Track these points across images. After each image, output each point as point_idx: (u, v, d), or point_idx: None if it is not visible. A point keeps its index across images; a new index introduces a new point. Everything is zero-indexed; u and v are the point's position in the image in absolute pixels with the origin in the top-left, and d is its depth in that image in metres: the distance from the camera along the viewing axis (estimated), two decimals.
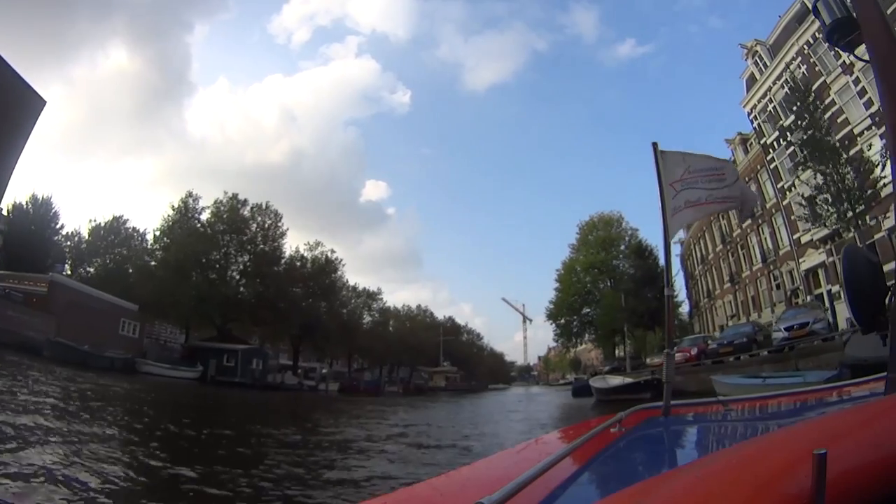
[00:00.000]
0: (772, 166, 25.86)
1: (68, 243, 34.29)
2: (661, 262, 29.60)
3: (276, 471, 5.38)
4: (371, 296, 53.24)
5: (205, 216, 32.72)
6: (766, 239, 28.19)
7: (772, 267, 27.09)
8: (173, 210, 32.05)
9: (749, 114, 27.92)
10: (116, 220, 36.36)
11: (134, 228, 36.93)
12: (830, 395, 1.77)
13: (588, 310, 48.12)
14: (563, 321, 49.34)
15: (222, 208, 32.93)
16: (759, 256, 28.74)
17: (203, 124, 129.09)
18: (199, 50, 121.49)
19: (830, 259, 20.28)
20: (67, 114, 76.99)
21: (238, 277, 33.21)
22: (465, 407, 22.51)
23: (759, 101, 26.37)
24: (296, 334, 37.59)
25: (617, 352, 50.42)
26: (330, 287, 40.53)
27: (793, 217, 23.44)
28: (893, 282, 1.35)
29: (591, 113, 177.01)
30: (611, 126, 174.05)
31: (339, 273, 42.92)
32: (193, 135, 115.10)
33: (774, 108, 24.75)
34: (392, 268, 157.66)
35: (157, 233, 32.17)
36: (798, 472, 0.49)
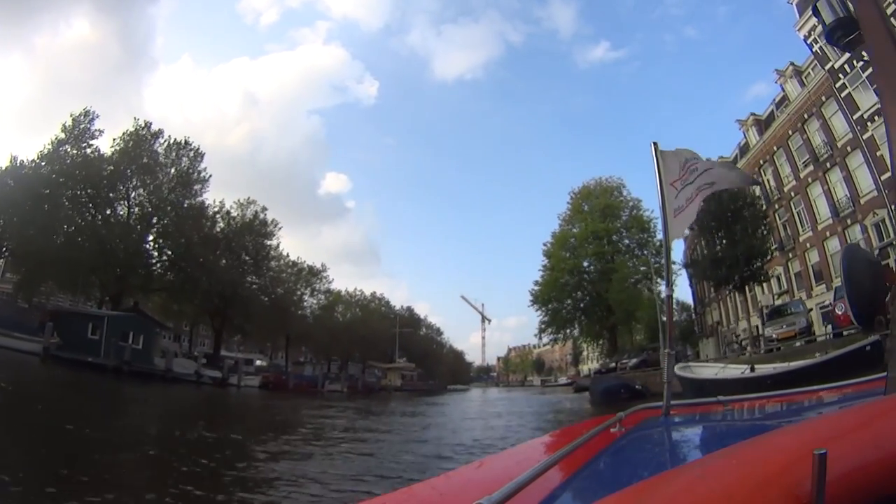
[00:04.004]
0: (843, 94, 22.02)
1: None
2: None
3: None
4: (314, 273, 46.53)
5: (106, 146, 28.26)
6: (835, 187, 23.54)
7: (848, 222, 22.61)
8: (64, 131, 26.78)
9: (807, 38, 24.13)
10: (15, 160, 28.61)
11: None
12: (830, 395, 1.80)
13: (580, 293, 41.65)
14: (552, 306, 41.81)
15: (129, 141, 28.27)
16: (826, 210, 24.15)
17: (163, 103, 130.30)
18: (164, 25, 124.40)
19: None
20: (26, 84, 75.14)
21: (135, 225, 28.62)
22: (425, 436, 12.39)
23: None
24: (212, 309, 32.82)
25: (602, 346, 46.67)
26: (258, 253, 35.35)
27: (878, 153, 19.53)
28: (893, 282, 1.35)
29: (560, 114, 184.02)
30: (581, 128, 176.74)
31: (276, 242, 37.81)
32: (151, 113, 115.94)
33: None
34: (350, 262, 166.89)
35: (36, 157, 26.54)
36: (798, 472, 0.50)
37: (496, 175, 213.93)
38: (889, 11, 17.67)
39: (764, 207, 26.33)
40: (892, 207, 19.13)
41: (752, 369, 12.84)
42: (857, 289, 1.45)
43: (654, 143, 1.98)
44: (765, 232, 23.61)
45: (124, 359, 22.99)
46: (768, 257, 23.63)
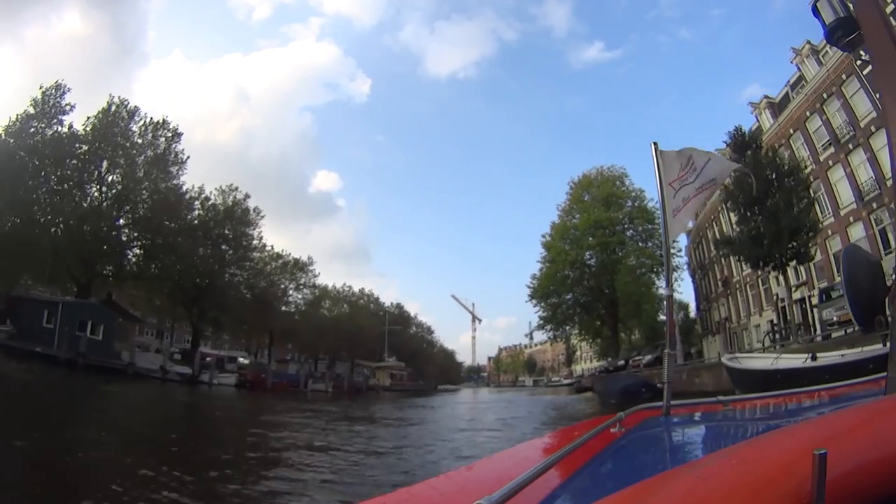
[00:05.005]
0: (865, 71, 21.25)
1: None
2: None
3: None
4: (300, 266, 45.07)
5: (79, 124, 26.91)
6: (858, 169, 22.34)
7: (874, 206, 21.44)
8: (34, 106, 25.36)
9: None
10: None
11: None
12: (830, 395, 1.80)
13: (581, 287, 40.14)
14: (552, 301, 40.25)
15: (103, 119, 27.04)
16: (849, 195, 22.95)
17: (153, 97, 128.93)
18: (156, 19, 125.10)
19: None
20: (14, 76, 74.98)
21: (107, 209, 27.28)
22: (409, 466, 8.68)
23: None
24: (186, 300, 31.52)
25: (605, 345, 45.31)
26: (239, 242, 34.04)
27: None
28: (893, 282, 1.36)
29: (553, 113, 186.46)
30: (573, 128, 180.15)
31: (258, 231, 36.42)
32: (142, 108, 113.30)
33: None
34: (340, 261, 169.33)
35: (1, 132, 25.03)
36: (798, 472, 0.51)
37: (487, 174, 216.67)
38: (889, 11, 17.59)
39: (807, 174, 24.00)
40: (894, 206, 19.09)
41: (814, 358, 11.69)
42: (857, 289, 1.46)
43: (654, 143, 1.99)
44: (808, 202, 21.57)
45: (79, 350, 21.36)
46: (813, 232, 21.23)
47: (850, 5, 15.10)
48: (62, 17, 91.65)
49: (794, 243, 20.38)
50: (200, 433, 11.95)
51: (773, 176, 20.95)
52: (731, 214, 25.85)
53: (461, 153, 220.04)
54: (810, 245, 21.51)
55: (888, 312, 1.25)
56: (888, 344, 1.14)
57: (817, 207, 24.86)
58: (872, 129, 21.45)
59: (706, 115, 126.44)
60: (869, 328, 1.50)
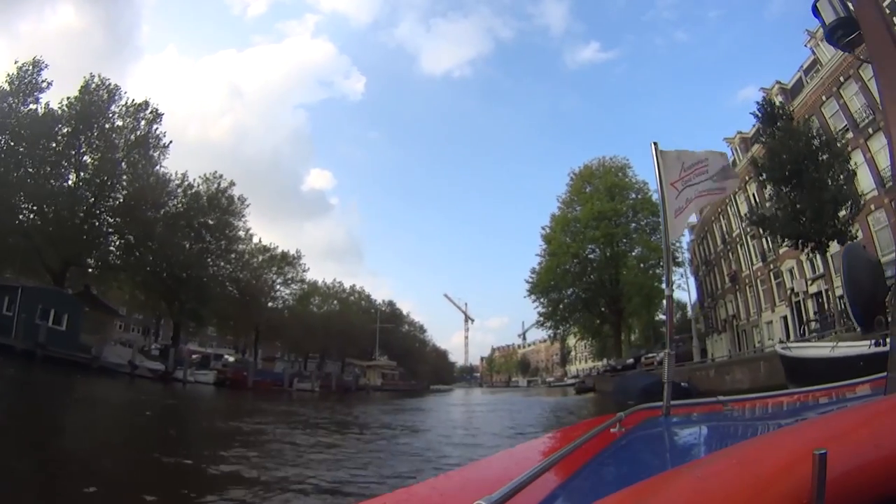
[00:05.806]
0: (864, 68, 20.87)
1: None
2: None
3: None
4: (288, 260, 43.63)
5: (54, 101, 25.78)
6: (878, 155, 21.57)
7: None
8: (8, 82, 24.27)
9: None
10: None
11: None
12: (830, 395, 1.82)
13: (583, 280, 38.99)
14: (553, 296, 39.18)
15: (81, 100, 26.09)
16: (870, 181, 22.14)
17: (146, 93, 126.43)
18: (150, 13, 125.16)
19: None
20: (6, 71, 74.60)
21: (82, 194, 26.32)
22: None
23: None
24: (163, 291, 30.46)
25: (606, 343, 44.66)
26: (222, 232, 33.04)
27: None
28: (893, 282, 1.37)
29: (548, 115, 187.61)
30: (568, 128, 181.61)
31: (244, 221, 35.41)
32: (124, 92, 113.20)
33: None
34: (333, 260, 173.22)
35: None
36: (798, 472, 0.51)
37: (482, 173, 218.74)
38: (889, 11, 17.60)
39: (845, 143, 22.23)
40: (895, 205, 19.16)
41: (878, 343, 11.46)
42: (857, 289, 1.46)
43: (654, 144, 2.00)
44: (850, 173, 19.90)
45: (38, 340, 20.01)
46: (857, 206, 19.53)
47: (850, 5, 15.14)
48: (56, 10, 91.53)
49: (836, 220, 18.90)
50: (104, 441, 8.56)
51: (815, 145, 19.58)
52: (756, 195, 24.92)
53: (456, 152, 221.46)
54: (854, 221, 19.84)
55: (888, 312, 1.26)
56: (889, 343, 1.14)
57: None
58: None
59: (703, 116, 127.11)
60: (869, 328, 1.51)
